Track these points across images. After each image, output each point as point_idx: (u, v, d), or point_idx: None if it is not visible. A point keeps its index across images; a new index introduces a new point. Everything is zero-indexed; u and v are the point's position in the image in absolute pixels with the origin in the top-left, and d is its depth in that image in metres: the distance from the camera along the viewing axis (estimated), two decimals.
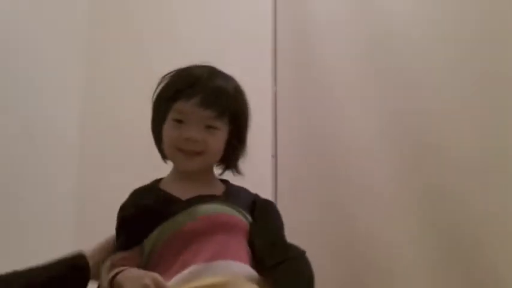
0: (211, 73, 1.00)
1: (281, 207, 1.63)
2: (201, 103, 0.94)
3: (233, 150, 1.02)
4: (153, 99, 1.02)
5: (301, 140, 1.68)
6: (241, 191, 1.04)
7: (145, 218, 0.93)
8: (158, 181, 1.03)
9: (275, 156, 1.69)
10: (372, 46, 1.64)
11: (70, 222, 1.69)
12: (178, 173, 1.02)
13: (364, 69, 1.64)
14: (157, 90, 1.02)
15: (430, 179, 1.50)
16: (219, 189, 1.02)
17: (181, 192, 0.97)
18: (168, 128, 0.98)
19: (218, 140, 0.98)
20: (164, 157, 1.03)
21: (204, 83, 0.97)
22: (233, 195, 1.01)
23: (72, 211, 1.71)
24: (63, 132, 1.73)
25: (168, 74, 1.02)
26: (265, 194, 1.59)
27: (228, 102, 0.97)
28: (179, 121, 0.96)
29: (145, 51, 1.83)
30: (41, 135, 1.61)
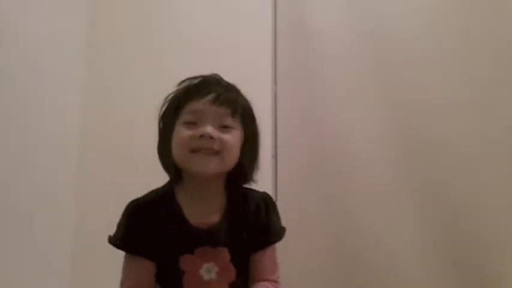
0: (217, 78, 0.98)
1: (281, 207, 1.63)
2: (214, 100, 0.90)
3: (250, 154, 0.95)
4: (160, 116, 0.97)
5: (301, 140, 1.68)
6: (243, 208, 0.97)
7: (159, 242, 0.91)
8: (173, 189, 0.96)
9: (275, 156, 1.69)
10: (371, 46, 1.64)
11: (69, 221, 1.69)
12: (191, 183, 0.95)
13: (364, 68, 1.64)
14: (164, 106, 0.97)
15: (430, 174, 1.51)
16: (220, 209, 0.96)
17: (195, 214, 0.93)
18: (179, 132, 0.91)
19: (235, 138, 0.91)
20: (172, 172, 0.95)
21: (214, 84, 0.94)
22: (231, 219, 0.95)
23: (72, 212, 1.71)
24: (63, 130, 1.73)
25: (171, 93, 0.97)
26: None
27: (240, 102, 0.95)
28: (191, 123, 0.90)
29: (145, 51, 1.83)
30: (40, 135, 1.61)
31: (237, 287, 0.93)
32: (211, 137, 0.88)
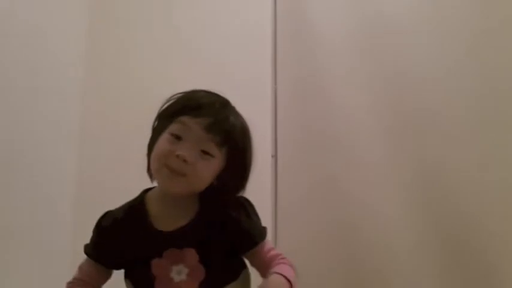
0: (225, 104, 0.97)
1: (281, 208, 1.63)
2: (206, 125, 0.91)
3: (228, 181, 0.97)
4: (158, 113, 0.98)
5: (301, 140, 1.68)
6: (217, 212, 0.97)
7: (124, 250, 0.95)
8: (145, 197, 0.99)
9: (275, 156, 1.69)
10: (371, 45, 1.64)
11: (68, 221, 1.70)
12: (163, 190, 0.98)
13: (363, 68, 1.64)
14: (165, 105, 0.98)
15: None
16: (191, 212, 0.96)
17: (162, 219, 0.95)
18: (162, 140, 0.93)
19: (208, 167, 0.93)
20: (151, 174, 0.98)
21: (215, 109, 0.94)
22: (196, 228, 0.95)
23: (71, 212, 1.71)
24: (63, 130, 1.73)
25: (179, 93, 0.98)
26: (265, 194, 1.61)
27: (232, 135, 0.94)
28: (177, 137, 0.92)
29: (144, 51, 1.83)
30: (40, 136, 1.61)
31: (207, 286, 0.93)
32: (185, 161, 0.90)
